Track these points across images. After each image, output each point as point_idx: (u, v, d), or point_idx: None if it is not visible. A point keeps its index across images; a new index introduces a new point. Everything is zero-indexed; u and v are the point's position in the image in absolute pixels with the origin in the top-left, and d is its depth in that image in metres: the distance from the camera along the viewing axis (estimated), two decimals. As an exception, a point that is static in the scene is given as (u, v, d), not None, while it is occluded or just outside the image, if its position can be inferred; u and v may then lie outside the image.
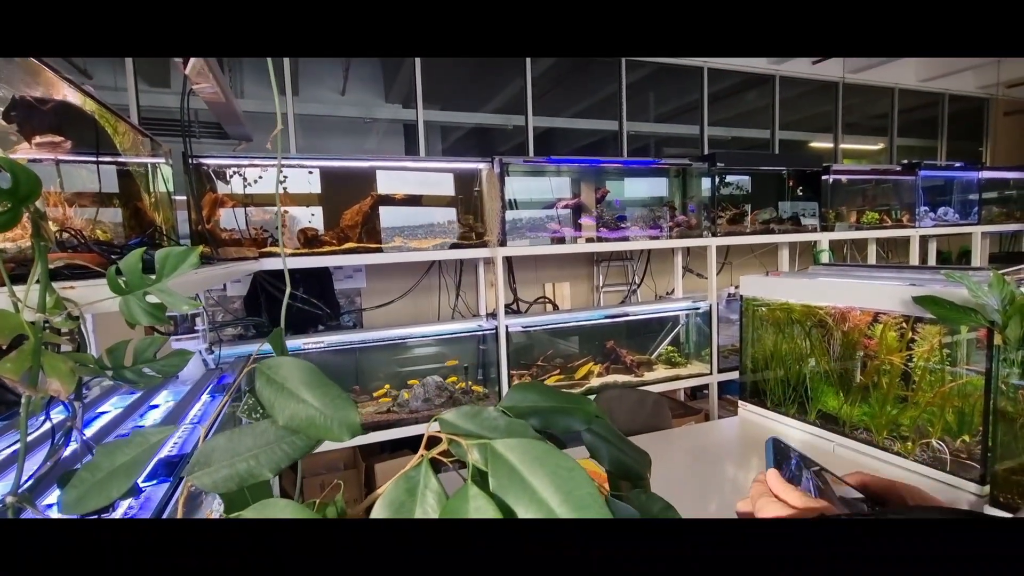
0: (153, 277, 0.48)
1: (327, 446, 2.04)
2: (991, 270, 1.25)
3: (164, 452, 1.00)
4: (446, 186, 2.47)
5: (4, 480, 0.74)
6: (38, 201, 0.48)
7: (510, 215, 2.34)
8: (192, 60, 1.23)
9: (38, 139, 0.88)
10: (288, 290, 0.49)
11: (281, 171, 2.17)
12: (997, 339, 1.17)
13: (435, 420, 0.32)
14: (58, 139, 0.96)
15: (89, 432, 1.13)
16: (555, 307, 2.82)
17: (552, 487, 0.25)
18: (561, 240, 2.43)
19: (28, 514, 0.42)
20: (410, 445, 2.34)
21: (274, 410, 0.31)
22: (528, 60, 3.19)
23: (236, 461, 0.31)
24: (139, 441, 0.33)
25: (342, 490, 0.38)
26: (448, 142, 4.81)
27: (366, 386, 2.17)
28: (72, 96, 1.02)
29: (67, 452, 0.56)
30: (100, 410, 1.25)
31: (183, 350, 0.53)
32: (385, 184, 2.27)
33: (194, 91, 1.42)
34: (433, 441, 0.31)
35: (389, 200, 2.12)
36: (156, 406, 1.30)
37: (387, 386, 2.19)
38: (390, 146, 4.29)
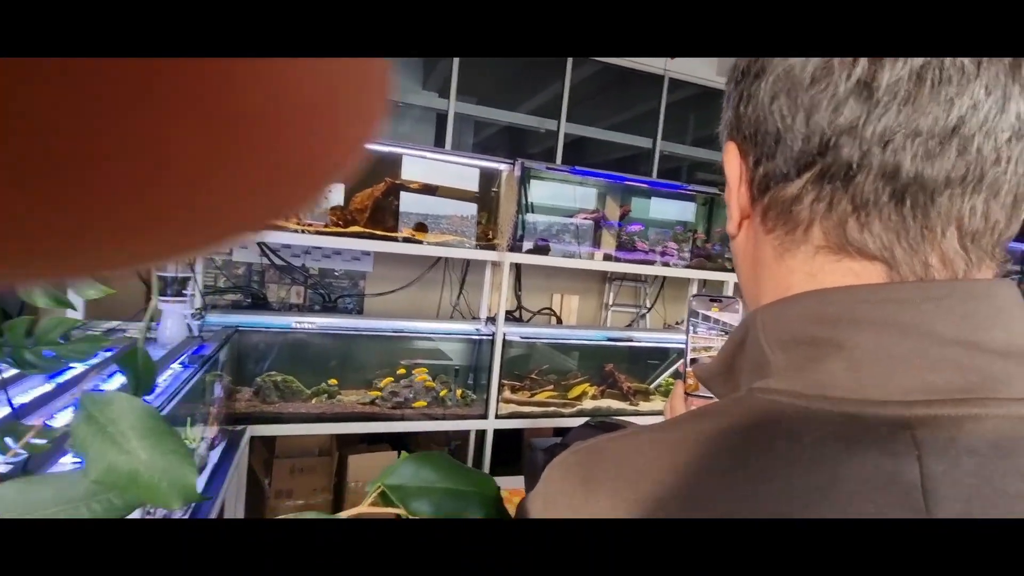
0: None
1: (306, 428, 1.99)
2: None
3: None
4: (467, 182, 2.40)
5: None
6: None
7: (527, 219, 2.27)
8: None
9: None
10: (155, 298, 0.42)
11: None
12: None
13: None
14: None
15: (50, 387, 1.09)
16: (559, 321, 2.74)
17: None
18: (586, 254, 2.35)
19: None
20: (390, 440, 2.29)
21: (88, 457, 0.24)
22: (569, 65, 3.11)
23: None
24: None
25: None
26: (479, 137, 4.74)
27: (353, 373, 2.12)
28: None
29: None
30: (69, 365, 1.21)
31: (96, 336, 0.46)
32: (410, 171, 2.21)
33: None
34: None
35: (403, 188, 2.06)
36: (125, 368, 1.26)
37: (374, 378, 2.13)
38: (421, 133, 4.24)
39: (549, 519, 0.32)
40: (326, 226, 1.96)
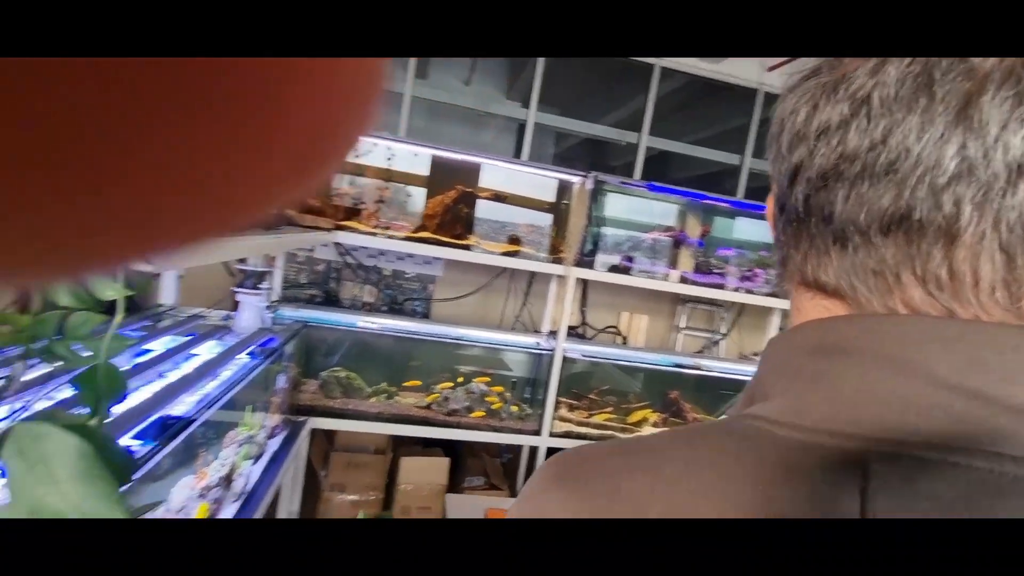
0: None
1: (364, 425, 2.04)
2: None
3: (175, 411, 1.01)
4: (544, 192, 2.38)
5: None
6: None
7: (600, 233, 2.21)
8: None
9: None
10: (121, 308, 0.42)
11: (389, 148, 2.21)
12: None
13: None
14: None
15: (126, 367, 1.17)
16: (624, 341, 2.64)
17: None
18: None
19: None
20: (443, 445, 2.30)
21: (14, 491, 0.23)
22: (656, 76, 3.01)
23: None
24: None
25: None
26: (560, 148, 4.72)
27: (412, 376, 2.15)
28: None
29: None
30: (146, 346, 1.31)
31: (121, 336, 0.48)
32: (488, 180, 2.24)
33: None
34: None
35: (474, 195, 2.08)
36: (197, 355, 1.34)
37: (432, 383, 2.15)
38: (503, 143, 4.29)
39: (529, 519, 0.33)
40: (416, 231, 2.01)
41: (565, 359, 2.08)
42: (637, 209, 2.46)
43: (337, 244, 2.32)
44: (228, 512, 1.23)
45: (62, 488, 0.23)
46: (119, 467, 0.28)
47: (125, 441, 0.84)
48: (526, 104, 3.52)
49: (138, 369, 1.13)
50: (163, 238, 0.09)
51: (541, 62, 2.97)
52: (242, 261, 1.75)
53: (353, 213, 2.12)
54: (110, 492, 0.24)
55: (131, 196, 0.08)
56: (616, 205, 2.34)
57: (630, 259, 2.28)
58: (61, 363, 0.46)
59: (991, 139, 0.23)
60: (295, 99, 0.09)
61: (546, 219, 2.36)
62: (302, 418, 1.88)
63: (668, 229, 2.41)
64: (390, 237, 1.99)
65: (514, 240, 2.14)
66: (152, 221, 0.08)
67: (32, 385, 0.71)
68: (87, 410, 0.39)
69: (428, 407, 2.08)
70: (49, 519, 0.35)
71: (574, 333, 2.44)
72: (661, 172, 3.67)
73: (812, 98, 0.27)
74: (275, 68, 0.08)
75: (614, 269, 2.20)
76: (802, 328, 0.29)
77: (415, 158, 2.25)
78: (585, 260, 2.09)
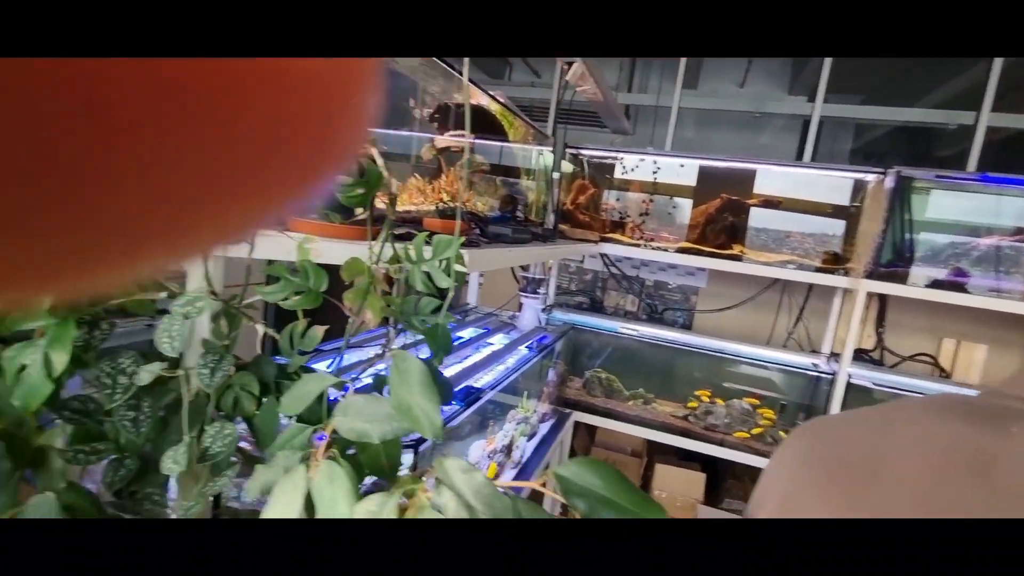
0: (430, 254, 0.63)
1: (623, 427, 2.15)
2: None
3: (477, 383, 1.28)
4: (833, 195, 2.12)
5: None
6: (396, 185, 0.69)
7: (914, 239, 1.84)
8: (574, 66, 1.43)
9: (449, 134, 1.21)
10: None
11: (655, 162, 2.30)
12: None
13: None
14: (462, 132, 1.29)
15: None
16: (943, 373, 2.12)
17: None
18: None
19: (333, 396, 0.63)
20: (700, 460, 2.23)
21: (392, 390, 0.39)
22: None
23: (357, 420, 0.40)
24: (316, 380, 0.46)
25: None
26: (861, 141, 4.05)
27: (669, 385, 2.16)
28: (482, 99, 1.34)
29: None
30: (458, 334, 1.68)
31: (448, 314, 0.68)
32: (765, 185, 2.12)
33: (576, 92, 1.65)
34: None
35: (739, 204, 1.98)
36: (491, 344, 1.65)
37: (701, 392, 2.13)
38: (784, 143, 3.93)
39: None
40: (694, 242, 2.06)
41: (852, 386, 1.80)
42: (979, 209, 1.92)
43: (603, 255, 2.49)
44: (508, 476, 1.48)
45: (413, 391, 0.39)
46: (443, 391, 0.44)
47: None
48: (812, 98, 3.15)
49: (452, 350, 1.46)
50: (169, 247, 0.08)
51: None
52: (525, 269, 2.06)
53: (618, 226, 2.26)
54: (435, 398, 0.38)
55: (122, 208, 0.07)
56: (942, 205, 1.89)
57: (962, 272, 1.82)
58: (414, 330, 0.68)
59: None
60: (294, 101, 0.08)
61: (838, 226, 2.08)
62: (568, 410, 2.09)
63: (1021, 232, 1.86)
64: (654, 248, 2.06)
65: (831, 257, 1.93)
66: (148, 233, 0.08)
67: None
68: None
69: (685, 418, 2.07)
70: (52, 519, 0.48)
71: (866, 357, 2.08)
72: (1017, 158, 2.82)
73: None
74: (272, 68, 0.08)
75: (937, 285, 1.78)
76: None
77: (682, 169, 2.27)
78: (882, 271, 1.78)
